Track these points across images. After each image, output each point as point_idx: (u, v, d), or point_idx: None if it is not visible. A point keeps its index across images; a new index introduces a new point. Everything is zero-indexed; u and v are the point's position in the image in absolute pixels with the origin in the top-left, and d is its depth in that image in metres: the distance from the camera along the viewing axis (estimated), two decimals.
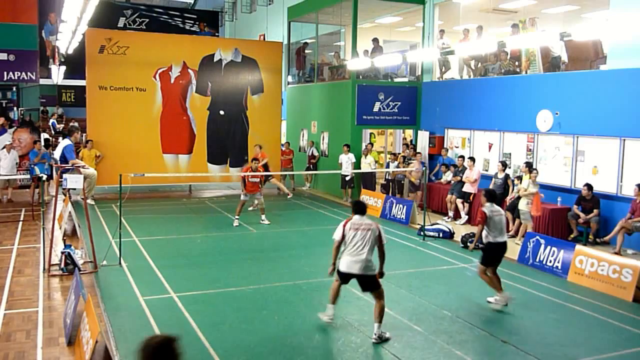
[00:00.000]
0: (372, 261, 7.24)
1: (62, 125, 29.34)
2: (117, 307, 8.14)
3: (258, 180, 14.00)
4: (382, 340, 7.13)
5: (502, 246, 8.59)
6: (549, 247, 10.64)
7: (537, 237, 11.05)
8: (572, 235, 12.67)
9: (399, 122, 19.21)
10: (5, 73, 17.90)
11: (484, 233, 8.52)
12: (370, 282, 7.28)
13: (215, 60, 19.19)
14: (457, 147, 17.20)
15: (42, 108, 31.92)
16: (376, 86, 18.67)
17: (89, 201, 15.06)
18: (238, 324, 7.65)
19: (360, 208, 7.51)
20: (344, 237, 7.33)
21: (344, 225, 7.39)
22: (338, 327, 7.63)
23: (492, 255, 8.56)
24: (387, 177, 18.17)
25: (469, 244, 9.89)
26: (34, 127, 19.35)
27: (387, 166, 18.60)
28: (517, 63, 15.68)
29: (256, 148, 16.27)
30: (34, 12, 18.62)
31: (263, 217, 14.29)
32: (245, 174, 14.03)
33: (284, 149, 20.57)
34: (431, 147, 17.80)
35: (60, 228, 12.25)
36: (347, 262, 7.25)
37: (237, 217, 14.03)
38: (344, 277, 7.41)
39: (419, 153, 17.25)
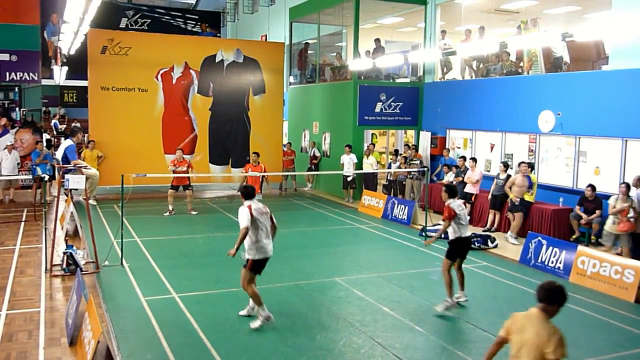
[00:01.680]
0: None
1: (64, 126, 29.39)
2: (119, 308, 8.15)
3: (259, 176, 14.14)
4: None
5: (468, 240, 8.65)
6: (550, 248, 10.63)
7: (539, 237, 11.04)
8: (574, 236, 12.65)
9: (401, 122, 19.21)
10: (7, 73, 17.92)
11: (452, 229, 8.47)
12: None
13: (217, 60, 19.21)
14: (458, 148, 17.19)
15: (44, 108, 31.91)
16: (378, 87, 18.67)
17: (90, 201, 15.07)
18: (239, 325, 7.65)
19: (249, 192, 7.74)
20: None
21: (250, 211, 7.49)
22: (339, 328, 7.63)
23: (459, 249, 8.58)
24: (388, 178, 18.18)
25: (426, 239, 9.85)
26: (36, 127, 19.37)
27: (389, 167, 18.60)
28: (521, 63, 15.66)
29: (178, 152, 15.65)
30: (36, 13, 18.64)
31: None
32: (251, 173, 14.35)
33: (285, 149, 20.58)
34: (433, 148, 17.79)
35: (62, 228, 12.26)
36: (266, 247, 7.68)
37: None
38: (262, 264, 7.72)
39: (524, 163, 13.46)
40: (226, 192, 19.85)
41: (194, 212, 15.46)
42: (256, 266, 7.65)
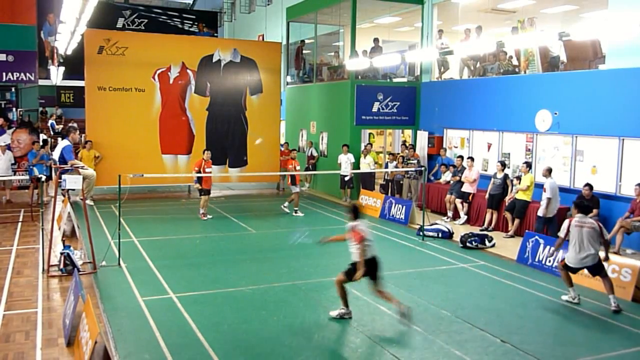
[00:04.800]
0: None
1: (61, 126, 29.31)
2: (116, 308, 8.14)
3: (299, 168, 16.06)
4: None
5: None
6: (548, 247, 10.64)
7: (536, 237, 11.05)
8: None
9: (398, 122, 19.22)
10: (4, 74, 17.88)
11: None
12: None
13: (214, 60, 19.18)
14: (456, 147, 17.20)
15: (41, 109, 31.85)
16: (375, 86, 18.67)
17: (88, 202, 15.04)
18: (237, 325, 7.65)
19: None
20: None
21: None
22: (337, 327, 7.63)
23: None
24: (386, 178, 18.19)
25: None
26: (33, 128, 19.33)
27: (386, 166, 18.61)
28: (514, 60, 15.68)
29: (207, 153, 15.07)
30: (33, 13, 18.60)
31: (296, 208, 15.94)
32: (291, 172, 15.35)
33: (283, 149, 20.56)
34: (430, 147, 17.81)
35: (59, 229, 12.23)
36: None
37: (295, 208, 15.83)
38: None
39: None
40: (224, 192, 19.83)
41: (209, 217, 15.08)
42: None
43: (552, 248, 9.80)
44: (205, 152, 15.09)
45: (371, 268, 7.72)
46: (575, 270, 8.93)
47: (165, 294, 8.82)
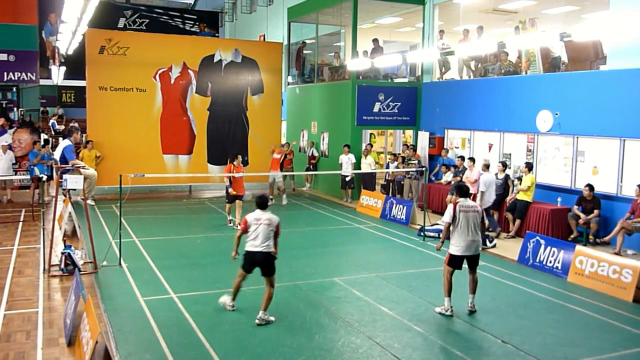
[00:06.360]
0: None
1: (62, 126, 29.35)
2: (117, 308, 8.14)
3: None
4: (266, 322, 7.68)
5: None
6: (549, 248, 10.64)
7: (537, 237, 11.05)
8: (572, 236, 12.67)
9: (399, 122, 19.21)
10: (5, 73, 17.92)
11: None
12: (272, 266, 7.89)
13: (215, 60, 19.20)
14: (457, 148, 17.20)
15: (42, 109, 31.93)
16: (376, 87, 18.67)
17: (89, 202, 15.04)
18: (238, 325, 7.65)
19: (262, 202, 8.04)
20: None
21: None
22: (338, 328, 7.63)
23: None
24: (387, 178, 18.18)
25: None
26: (34, 127, 19.37)
27: (387, 167, 18.61)
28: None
29: (238, 157, 14.17)
30: (34, 13, 18.65)
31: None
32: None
33: (284, 149, 20.54)
34: (431, 148, 17.80)
35: (60, 228, 12.24)
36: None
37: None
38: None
39: None
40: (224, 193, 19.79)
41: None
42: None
43: (440, 240, 8.51)
44: (236, 158, 13.98)
45: (250, 262, 8.00)
46: (460, 262, 8.20)
47: (166, 294, 8.83)
